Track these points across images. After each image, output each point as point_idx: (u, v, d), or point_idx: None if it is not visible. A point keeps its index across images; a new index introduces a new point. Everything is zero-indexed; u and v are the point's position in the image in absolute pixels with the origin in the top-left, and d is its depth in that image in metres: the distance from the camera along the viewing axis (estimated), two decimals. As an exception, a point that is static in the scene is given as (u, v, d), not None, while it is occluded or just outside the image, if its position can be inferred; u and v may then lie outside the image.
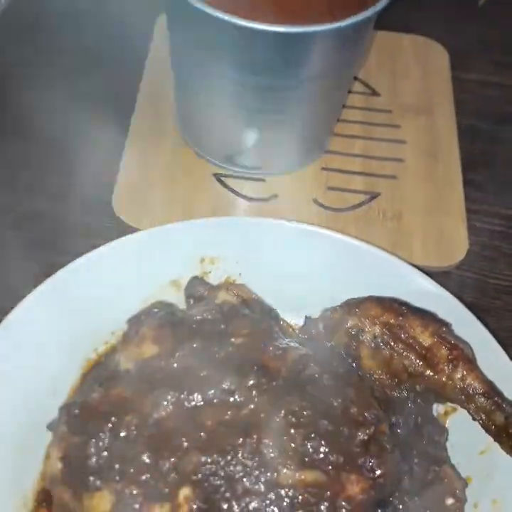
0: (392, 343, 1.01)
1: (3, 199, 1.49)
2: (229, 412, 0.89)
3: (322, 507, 0.83)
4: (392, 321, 1.02)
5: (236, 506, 0.84)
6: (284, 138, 1.49)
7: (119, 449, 0.89)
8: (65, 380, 1.14)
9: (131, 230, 1.42)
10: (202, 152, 1.55)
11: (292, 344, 0.99)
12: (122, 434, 0.90)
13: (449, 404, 1.10)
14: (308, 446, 0.85)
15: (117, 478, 0.88)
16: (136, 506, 0.87)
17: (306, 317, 1.11)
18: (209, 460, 0.85)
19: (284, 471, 0.84)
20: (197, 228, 1.27)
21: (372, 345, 1.02)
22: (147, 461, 0.87)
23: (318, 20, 1.18)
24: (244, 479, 0.85)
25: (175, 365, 0.96)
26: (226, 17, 1.15)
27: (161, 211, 1.47)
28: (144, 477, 0.87)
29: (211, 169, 1.55)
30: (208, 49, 1.27)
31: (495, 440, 0.98)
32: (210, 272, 1.27)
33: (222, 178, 1.53)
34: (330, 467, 0.85)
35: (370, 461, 0.87)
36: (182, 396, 0.91)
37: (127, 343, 1.03)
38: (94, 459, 0.90)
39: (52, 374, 1.12)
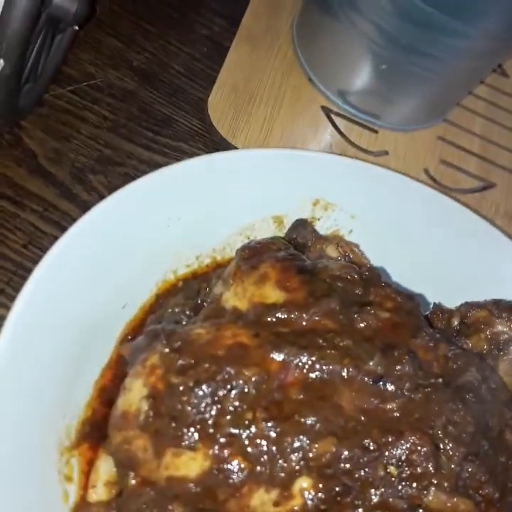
0: (544, 365, 0.86)
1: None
2: (374, 401, 0.72)
3: (465, 545, 0.68)
4: (551, 340, 0.86)
5: (362, 519, 0.68)
6: (413, 89, 1.31)
7: (230, 406, 0.71)
8: (136, 296, 0.95)
9: (224, 143, 1.22)
10: (315, 77, 1.36)
11: (439, 336, 0.82)
12: (237, 389, 0.72)
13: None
14: (466, 470, 0.70)
15: (222, 440, 0.71)
16: (235, 482, 0.70)
17: (434, 304, 0.95)
18: (347, 454, 0.69)
19: (436, 492, 0.68)
20: (318, 162, 1.08)
21: (520, 361, 0.87)
22: (266, 432, 0.70)
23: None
24: (384, 489, 0.69)
25: (305, 322, 0.78)
26: None
27: (260, 130, 1.27)
28: (256, 450, 0.70)
29: (320, 100, 1.36)
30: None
31: None
32: (319, 219, 1.09)
33: (332, 116, 1.34)
34: (482, 500, 0.70)
35: (521, 503, 0.72)
36: (316, 364, 0.73)
37: (240, 278, 0.84)
38: (196, 410, 0.72)
39: (125, 285, 0.93)
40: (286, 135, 1.28)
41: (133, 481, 0.76)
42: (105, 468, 0.82)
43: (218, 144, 1.22)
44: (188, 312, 0.89)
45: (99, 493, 0.81)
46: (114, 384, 0.88)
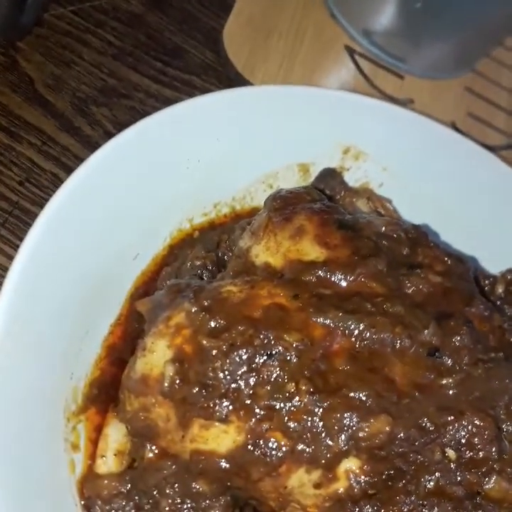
0: None
1: None
2: (429, 375, 0.65)
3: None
4: None
5: (414, 507, 0.63)
6: (444, 33, 1.22)
7: (270, 375, 0.63)
8: (149, 246, 0.86)
9: (240, 79, 1.11)
10: (340, 14, 1.25)
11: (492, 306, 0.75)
12: (277, 356, 0.64)
13: None
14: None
15: (260, 413, 0.63)
16: (272, 460, 0.62)
17: (477, 270, 0.88)
18: (402, 435, 0.62)
19: (497, 479, 0.62)
20: (351, 104, 0.98)
21: None
22: (310, 406, 0.63)
23: None
24: (440, 474, 0.62)
25: (350, 284, 0.70)
26: None
27: (278, 68, 1.17)
28: (298, 425, 0.63)
29: (344, 39, 1.25)
30: None
31: None
32: (348, 170, 1.00)
33: (356, 56, 1.24)
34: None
35: None
36: (365, 332, 0.66)
37: (272, 230, 0.76)
38: (230, 378, 0.64)
39: (137, 233, 0.84)
40: (307, 74, 1.18)
41: (150, 454, 0.69)
42: (115, 436, 0.74)
43: (233, 80, 1.11)
44: (209, 266, 0.81)
45: (108, 463, 0.73)
46: (125, 342, 0.80)
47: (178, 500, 0.67)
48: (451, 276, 0.74)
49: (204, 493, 0.67)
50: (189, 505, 0.67)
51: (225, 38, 1.15)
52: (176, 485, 0.67)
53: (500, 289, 0.85)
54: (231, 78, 1.12)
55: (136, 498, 0.70)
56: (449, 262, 0.76)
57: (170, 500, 0.67)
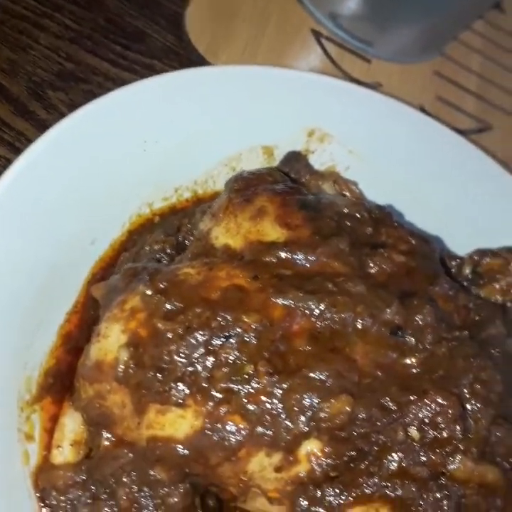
0: None
1: None
2: (391, 354, 0.64)
3: (490, 517, 0.61)
4: None
5: (377, 489, 0.62)
6: (410, 16, 1.22)
7: (227, 357, 0.62)
8: (106, 231, 0.85)
9: (203, 63, 1.10)
10: (306, -4, 1.24)
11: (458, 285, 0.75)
12: (235, 338, 0.63)
13: None
14: (495, 434, 0.63)
15: (217, 396, 0.62)
16: (231, 444, 0.61)
17: (444, 251, 0.87)
18: (363, 415, 0.61)
19: (462, 459, 0.61)
20: (316, 85, 0.97)
21: (536, 314, 0.80)
22: (269, 387, 0.62)
23: None
24: (403, 455, 0.62)
25: (311, 264, 0.69)
26: None
27: (242, 51, 1.15)
28: (257, 408, 0.62)
29: (310, 23, 1.24)
30: None
31: None
32: (314, 152, 0.99)
33: (322, 40, 1.23)
34: (510, 468, 0.63)
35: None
36: (326, 312, 0.65)
37: (232, 212, 0.75)
38: (186, 361, 0.63)
39: (93, 218, 0.82)
40: (272, 58, 1.17)
41: (107, 442, 0.67)
42: (72, 425, 0.73)
43: (196, 64, 1.10)
44: (169, 250, 0.79)
45: (65, 453, 0.72)
46: (81, 330, 0.78)
47: (135, 489, 0.66)
48: (415, 256, 0.74)
49: (162, 481, 0.65)
50: (147, 494, 0.66)
51: (187, 21, 1.13)
52: (133, 473, 0.66)
53: (467, 270, 0.85)
54: (194, 62, 1.10)
55: (93, 488, 0.68)
56: (413, 242, 0.75)
57: (127, 489, 0.66)
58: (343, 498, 0.62)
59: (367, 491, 0.62)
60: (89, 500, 0.68)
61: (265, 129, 0.95)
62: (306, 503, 0.62)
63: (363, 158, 0.99)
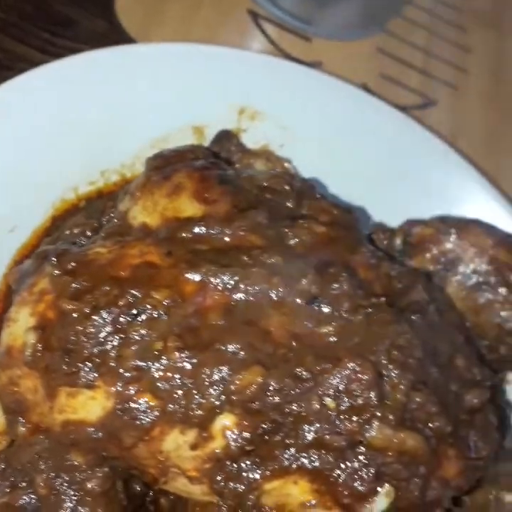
0: (496, 286, 0.79)
1: None
2: (307, 324, 0.63)
3: (412, 485, 0.61)
4: (503, 258, 0.80)
5: (294, 460, 0.60)
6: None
7: (136, 335, 0.61)
8: (28, 217, 0.83)
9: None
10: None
11: (381, 253, 0.74)
12: (145, 314, 0.62)
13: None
14: (414, 400, 0.62)
15: (127, 375, 0.60)
16: (143, 423, 0.60)
17: (375, 223, 0.87)
18: (276, 385, 0.60)
19: (379, 426, 0.60)
20: (243, 62, 0.97)
21: (468, 282, 0.80)
22: (179, 363, 0.61)
23: None
24: (319, 425, 0.60)
25: (228, 238, 0.68)
26: None
27: (176, 31, 1.14)
28: (168, 385, 0.61)
29: (247, 3, 1.23)
30: None
31: None
32: (245, 131, 0.98)
33: (260, 21, 1.22)
34: (433, 434, 0.62)
35: (474, 437, 0.65)
36: (240, 284, 0.64)
37: (149, 189, 0.73)
38: (94, 341, 0.61)
39: (12, 204, 0.80)
40: (207, 40, 1.15)
41: (23, 429, 0.66)
42: (-6, 416, 0.71)
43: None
44: (89, 233, 0.78)
45: (-13, 444, 0.69)
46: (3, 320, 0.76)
47: (53, 475, 0.64)
48: (336, 227, 0.73)
49: (79, 466, 0.64)
50: (65, 480, 0.65)
51: (118, 5, 1.12)
52: (50, 460, 0.64)
53: (398, 241, 0.84)
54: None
55: (12, 477, 0.66)
56: (335, 212, 0.74)
57: (44, 476, 0.65)
58: (260, 472, 0.61)
59: (284, 463, 0.61)
60: (7, 490, 0.66)
61: (194, 109, 0.94)
62: (224, 479, 0.61)
63: (296, 135, 0.98)
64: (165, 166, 0.76)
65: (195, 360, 0.61)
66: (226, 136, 0.95)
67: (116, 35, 1.09)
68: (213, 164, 0.77)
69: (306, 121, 0.97)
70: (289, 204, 0.75)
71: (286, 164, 0.96)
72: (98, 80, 0.85)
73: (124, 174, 0.91)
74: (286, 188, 0.76)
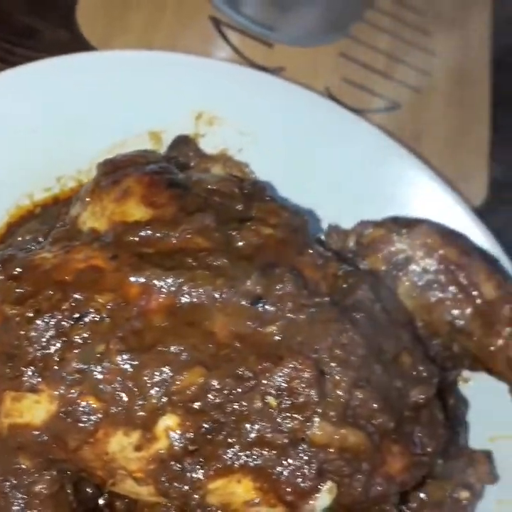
0: (446, 285, 0.80)
1: None
2: (251, 324, 0.64)
3: (356, 482, 0.61)
4: (453, 257, 0.81)
5: (237, 459, 0.61)
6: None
7: (79, 338, 0.62)
8: (-18, 225, 0.82)
9: (96, 53, 1.09)
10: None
11: (330, 254, 0.75)
12: (88, 318, 0.62)
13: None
14: (356, 397, 0.63)
15: (69, 379, 0.61)
16: (87, 426, 0.60)
17: (330, 225, 0.88)
18: (217, 385, 0.61)
19: (320, 423, 0.61)
20: (200, 68, 0.98)
21: (419, 281, 0.81)
22: (121, 365, 0.61)
23: None
24: (262, 423, 0.61)
25: (174, 240, 0.69)
26: None
27: (138, 40, 1.15)
28: (110, 387, 0.61)
29: (209, 10, 1.24)
30: None
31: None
32: (203, 136, 0.99)
33: (222, 28, 1.23)
34: (375, 431, 0.63)
35: (419, 433, 0.66)
36: (183, 287, 0.64)
37: (98, 195, 0.74)
38: (36, 345, 0.62)
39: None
40: (169, 48, 1.16)
41: (-29, 435, 0.66)
42: None
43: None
44: (41, 239, 0.78)
45: None
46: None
47: (1, 479, 0.65)
48: (284, 229, 0.74)
49: (27, 469, 0.65)
50: (12, 483, 0.65)
51: (79, 14, 1.12)
52: (-2, 464, 0.65)
53: (351, 242, 0.85)
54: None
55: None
56: (284, 215, 0.75)
57: (-9, 480, 0.65)
58: (204, 471, 0.61)
59: (227, 462, 0.62)
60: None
61: (151, 115, 0.95)
62: (168, 479, 0.62)
63: (255, 140, 0.99)
64: (115, 171, 0.77)
65: (137, 362, 0.62)
66: (183, 141, 0.96)
67: (77, 45, 1.10)
68: (164, 169, 0.78)
69: (264, 125, 0.98)
70: (238, 207, 0.76)
71: (243, 168, 0.96)
72: (54, 86, 0.86)
73: (81, 180, 0.91)
74: (236, 191, 0.77)
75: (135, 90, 0.92)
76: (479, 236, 0.92)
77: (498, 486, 0.88)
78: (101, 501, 0.76)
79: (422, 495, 0.81)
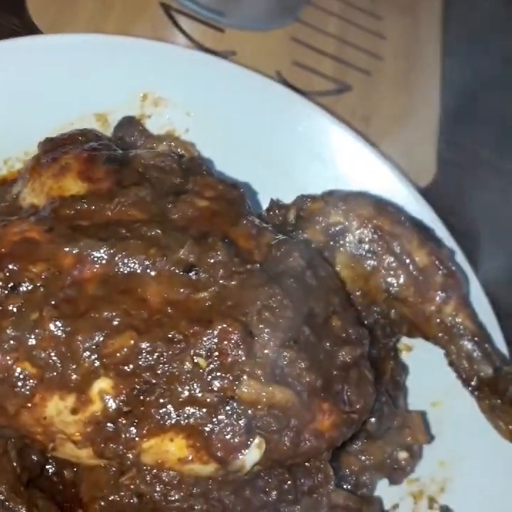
0: (381, 254, 0.83)
1: None
2: (183, 291, 0.66)
3: (284, 437, 0.64)
4: (386, 227, 0.84)
5: (169, 418, 0.63)
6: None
7: (14, 307, 0.63)
8: None
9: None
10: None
11: (265, 225, 0.77)
12: (23, 287, 0.64)
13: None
14: (284, 356, 0.65)
15: (4, 346, 0.63)
16: (23, 391, 0.62)
17: (272, 200, 0.90)
18: (148, 348, 0.63)
19: (248, 381, 0.63)
20: (143, 49, 0.99)
21: (355, 251, 0.84)
22: (54, 331, 0.63)
23: None
24: (192, 383, 0.63)
25: (109, 213, 0.70)
26: None
27: (89, 27, 1.16)
28: (44, 353, 0.63)
29: (159, -5, 1.25)
30: None
31: (472, 394, 0.84)
32: (150, 117, 1.01)
33: (173, 13, 1.24)
34: (304, 389, 0.65)
35: (348, 391, 0.68)
36: (116, 256, 0.66)
37: (37, 171, 0.76)
38: (-29, 317, 0.63)
39: None
40: (120, 34, 1.17)
41: None
42: None
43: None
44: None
45: None
46: None
47: None
48: (219, 201, 0.75)
49: (-32, 428, 0.66)
50: (-45, 453, 0.66)
51: (29, 1, 1.13)
52: None
53: (291, 216, 0.87)
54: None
55: None
56: (220, 187, 0.77)
57: None
58: (137, 431, 0.63)
59: (160, 421, 0.63)
60: None
61: (97, 97, 0.96)
62: (104, 440, 0.63)
63: (200, 120, 1.01)
64: (54, 149, 0.79)
65: (70, 328, 0.63)
66: (129, 122, 0.97)
67: (27, 32, 1.11)
68: (103, 146, 0.80)
69: (209, 107, 1.00)
70: (175, 181, 0.78)
71: (189, 148, 0.98)
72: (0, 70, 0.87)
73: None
74: (174, 165, 0.79)
75: (81, 73, 0.93)
76: (420, 209, 0.95)
77: (441, 447, 0.91)
78: (50, 470, 0.77)
79: (363, 457, 0.84)
